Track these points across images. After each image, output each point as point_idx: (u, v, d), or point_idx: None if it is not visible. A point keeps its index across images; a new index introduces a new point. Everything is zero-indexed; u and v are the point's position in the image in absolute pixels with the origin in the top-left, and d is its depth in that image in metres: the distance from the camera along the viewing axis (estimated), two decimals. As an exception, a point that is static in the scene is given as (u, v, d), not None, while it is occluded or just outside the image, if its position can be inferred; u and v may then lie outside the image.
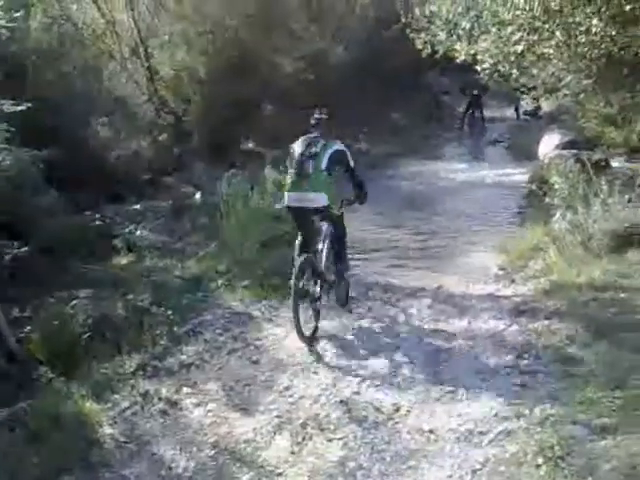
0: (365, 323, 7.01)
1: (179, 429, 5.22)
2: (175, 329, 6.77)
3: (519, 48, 8.40)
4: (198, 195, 10.96)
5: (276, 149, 15.95)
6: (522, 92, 18.78)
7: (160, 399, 5.60)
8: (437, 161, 16.20)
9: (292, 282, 6.04)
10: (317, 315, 6.45)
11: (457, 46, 9.23)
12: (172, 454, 4.92)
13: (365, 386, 5.66)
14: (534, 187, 10.58)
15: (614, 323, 6.19)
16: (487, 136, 19.82)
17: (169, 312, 6.93)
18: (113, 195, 11.00)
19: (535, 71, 9.32)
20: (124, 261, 8.33)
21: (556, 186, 9.40)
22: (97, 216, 9.67)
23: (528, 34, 8.24)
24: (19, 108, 7.46)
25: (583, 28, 7.91)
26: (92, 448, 4.96)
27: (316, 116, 6.51)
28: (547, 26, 8.03)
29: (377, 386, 5.65)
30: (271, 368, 6.07)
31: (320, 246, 6.48)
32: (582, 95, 11.38)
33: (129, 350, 6.24)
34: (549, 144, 14.30)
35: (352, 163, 6.44)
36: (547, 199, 9.32)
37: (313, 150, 6.18)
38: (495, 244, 9.43)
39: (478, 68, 9.40)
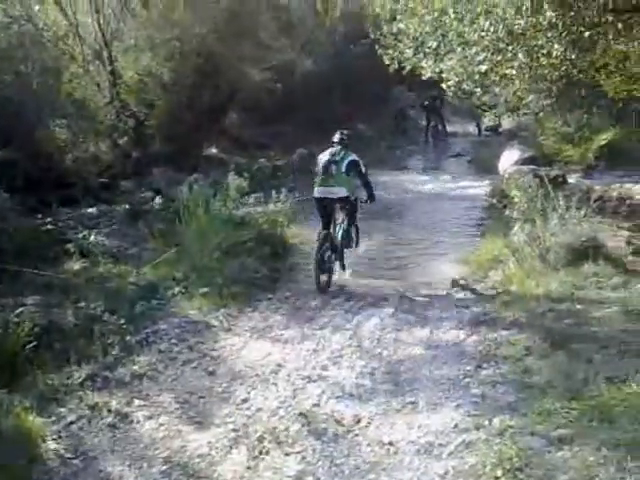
0: (327, 332, 6.90)
1: (129, 443, 4.91)
2: (128, 338, 6.46)
3: (483, 68, 8.52)
4: (157, 200, 10.70)
5: (240, 156, 16.02)
6: (484, 109, 19.15)
7: (109, 412, 5.27)
8: (402, 172, 16.24)
9: (315, 250, 8.14)
10: (330, 272, 8.37)
11: (423, 63, 9.30)
12: (121, 470, 4.60)
13: (325, 397, 5.52)
14: (494, 200, 10.67)
15: (570, 334, 6.23)
16: (450, 150, 19.95)
17: (122, 320, 6.63)
18: (67, 198, 10.62)
19: (497, 90, 9.46)
20: (77, 267, 7.97)
21: (515, 200, 9.46)
22: (49, 219, 9.34)
23: (492, 55, 8.36)
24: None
25: (545, 51, 8.08)
26: (34, 465, 4.58)
27: (338, 136, 8.64)
28: (510, 48, 8.17)
29: (338, 397, 5.52)
30: (228, 379, 5.85)
31: (337, 227, 8.55)
32: (541, 114, 11.64)
33: (78, 360, 5.85)
34: (509, 159, 14.46)
35: (363, 170, 8.47)
36: (507, 212, 9.39)
37: (336, 158, 8.27)
38: (457, 255, 9.47)
39: (443, 85, 9.49)
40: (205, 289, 7.74)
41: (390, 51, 9.80)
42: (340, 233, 8.53)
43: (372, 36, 10.50)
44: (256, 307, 7.66)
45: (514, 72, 8.53)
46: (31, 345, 5.79)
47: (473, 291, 8.07)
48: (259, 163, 15.60)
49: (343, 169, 8.20)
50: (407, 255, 9.98)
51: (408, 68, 9.72)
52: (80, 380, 5.66)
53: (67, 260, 8.20)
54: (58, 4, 13.76)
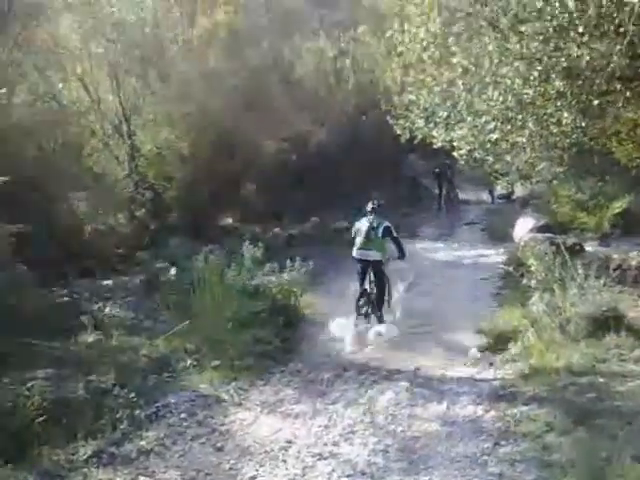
0: (339, 407, 6.66)
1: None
2: (137, 412, 6.33)
3: (493, 137, 8.46)
4: (172, 271, 10.68)
5: (255, 225, 16.06)
6: (496, 177, 19.12)
7: (112, 490, 5.09)
8: (416, 240, 16.09)
9: (356, 300, 9.72)
10: (368, 317, 9.72)
11: (434, 133, 9.26)
12: None
13: (336, 476, 5.28)
14: (511, 269, 10.46)
15: (592, 409, 6.00)
16: (463, 217, 19.87)
17: (132, 394, 6.52)
18: (84, 270, 10.65)
19: (509, 158, 9.36)
20: (90, 339, 7.87)
21: (532, 268, 9.28)
22: (65, 292, 9.30)
23: (502, 124, 8.31)
24: (-5, 182, 7.21)
25: (554, 120, 8.02)
26: None
27: (371, 205, 9.97)
28: (520, 117, 8.11)
29: (349, 476, 5.28)
30: (236, 456, 5.65)
31: (372, 285, 9.83)
32: (554, 181, 11.49)
33: (86, 435, 5.73)
34: (524, 227, 14.31)
35: (395, 233, 9.82)
36: (524, 281, 9.19)
37: (374, 224, 9.68)
38: (474, 325, 9.26)
39: (455, 154, 9.45)
40: (217, 362, 7.65)
41: (401, 121, 9.80)
42: (375, 291, 9.83)
43: (383, 107, 10.57)
44: (268, 380, 7.51)
45: (525, 140, 8.45)
46: (40, 419, 5.70)
47: (491, 364, 7.85)
48: (273, 232, 15.67)
49: (380, 234, 9.67)
50: (422, 325, 9.78)
51: (419, 137, 9.70)
52: (86, 456, 5.54)
53: (81, 332, 8.09)
54: (81, 81, 14.08)
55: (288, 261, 10.39)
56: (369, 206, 9.98)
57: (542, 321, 8.07)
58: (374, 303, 9.77)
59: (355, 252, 9.80)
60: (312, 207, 17.22)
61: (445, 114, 8.84)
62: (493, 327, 8.96)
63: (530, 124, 8.02)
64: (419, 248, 15.28)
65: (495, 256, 13.56)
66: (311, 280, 10.46)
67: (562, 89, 7.44)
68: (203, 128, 15.05)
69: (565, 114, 7.72)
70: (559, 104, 7.72)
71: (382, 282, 9.80)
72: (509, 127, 8.24)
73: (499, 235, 15.75)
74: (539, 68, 7.28)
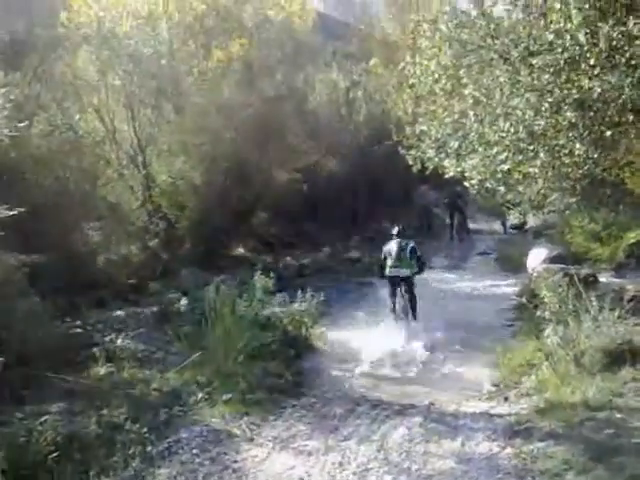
0: (352, 444, 6.49)
1: None
2: (149, 448, 6.16)
3: (505, 167, 8.37)
4: (184, 301, 10.59)
5: (266, 255, 16.03)
6: (509, 207, 19.02)
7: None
8: (427, 270, 15.94)
9: (393, 310, 11.08)
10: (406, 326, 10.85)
11: (446, 163, 9.18)
12: None
13: (351, 517, 5.09)
14: (524, 300, 10.30)
15: (611, 446, 5.82)
16: (475, 247, 19.73)
17: (144, 429, 6.36)
18: (97, 300, 10.57)
19: (521, 188, 9.24)
20: (102, 372, 7.75)
21: (546, 300, 9.11)
22: (78, 323, 9.18)
23: (513, 154, 8.23)
24: (10, 213, 7.18)
25: (566, 150, 7.93)
26: None
27: (397, 229, 11.40)
28: (532, 148, 8.03)
29: (365, 517, 5.08)
30: (250, 495, 5.48)
31: (401, 298, 11.13)
32: (567, 212, 11.36)
33: (98, 473, 5.57)
34: (537, 258, 14.14)
35: (419, 253, 11.20)
36: (538, 312, 9.03)
37: (402, 246, 11.05)
38: (487, 358, 9.10)
39: (467, 184, 9.37)
40: (228, 395, 7.48)
41: (413, 152, 9.73)
42: (404, 303, 11.12)
43: (395, 138, 10.53)
44: (280, 415, 7.35)
45: (537, 171, 8.34)
46: (53, 455, 5.59)
47: (506, 398, 7.67)
48: (285, 262, 15.66)
49: (408, 255, 11.02)
50: (436, 357, 9.66)
51: (431, 167, 9.65)
52: (98, 495, 5.34)
53: (93, 365, 7.98)
54: (97, 112, 14.19)
55: (299, 291, 10.30)
56: (395, 230, 11.39)
57: (557, 354, 7.90)
58: (410, 311, 11.14)
59: (388, 271, 11.10)
60: (324, 237, 17.21)
61: (456, 144, 8.77)
62: (507, 360, 8.81)
63: (542, 155, 7.94)
64: (431, 278, 15.14)
65: (508, 287, 13.39)
66: (323, 311, 10.37)
67: (574, 120, 7.39)
68: (216, 158, 15.10)
69: (577, 145, 7.65)
70: (571, 135, 7.65)
71: (414, 293, 11.19)
72: (521, 158, 8.16)
73: (512, 265, 15.60)
74: (550, 100, 7.25)
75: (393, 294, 11.16)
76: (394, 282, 11.13)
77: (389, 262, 11.08)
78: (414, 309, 11.16)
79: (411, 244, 11.18)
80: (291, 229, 17.53)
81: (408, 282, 11.14)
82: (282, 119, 16.42)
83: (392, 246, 11.16)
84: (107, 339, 8.76)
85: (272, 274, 10.32)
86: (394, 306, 11.12)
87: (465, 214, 20.86)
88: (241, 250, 16.36)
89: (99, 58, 13.96)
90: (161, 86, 14.61)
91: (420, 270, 11.25)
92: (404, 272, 11.06)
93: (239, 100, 15.52)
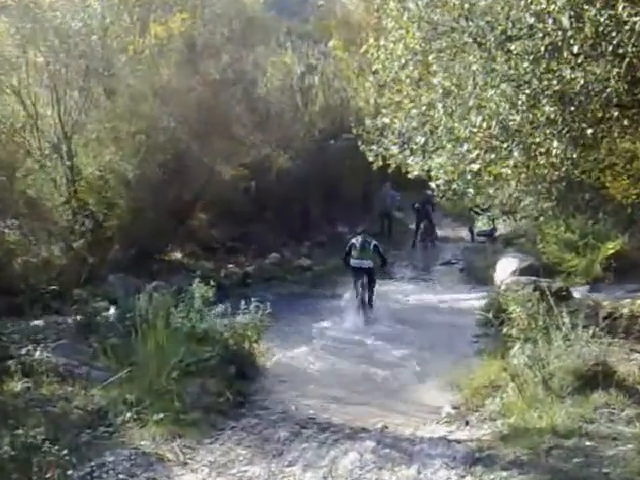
0: (297, 470, 6.57)
1: None
2: (70, 472, 6.14)
3: (475, 166, 8.47)
4: (112, 310, 10.55)
5: (206, 260, 16.01)
6: (477, 212, 19.32)
7: None
8: (386, 281, 16.15)
9: (357, 299, 13.63)
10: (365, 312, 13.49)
11: (410, 160, 9.28)
12: None
13: None
14: (490, 315, 10.51)
15: (580, 476, 5.99)
16: (440, 256, 20.01)
17: (64, 451, 6.32)
18: (13, 308, 10.44)
19: (491, 191, 9.39)
20: (18, 387, 7.67)
21: (514, 315, 9.34)
22: (-11, 333, 9.13)
23: (485, 153, 8.33)
24: None
25: (543, 149, 8.01)
26: None
27: (362, 228, 14.48)
28: (505, 145, 8.12)
29: None
30: (180, 527, 5.52)
31: (363, 289, 13.63)
32: (541, 218, 11.54)
33: (11, 500, 5.59)
34: (506, 269, 14.44)
35: (381, 250, 13.92)
36: (504, 329, 9.24)
37: (367, 240, 13.69)
38: (448, 378, 9.26)
39: (432, 184, 9.47)
40: (160, 415, 7.48)
41: (374, 147, 9.84)
42: (366, 293, 13.68)
43: (355, 131, 10.65)
44: (217, 437, 7.40)
45: (509, 172, 8.47)
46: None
47: (467, 423, 7.80)
48: (228, 269, 15.71)
49: (371, 248, 13.61)
50: (389, 378, 9.82)
51: (393, 166, 9.77)
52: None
53: (7, 379, 7.92)
54: (17, 94, 13.91)
55: (243, 302, 10.34)
56: (360, 229, 14.50)
57: (523, 375, 8.04)
58: (366, 301, 13.66)
59: (352, 262, 13.72)
60: (272, 242, 17.25)
61: (422, 140, 8.87)
62: (469, 381, 8.97)
63: (516, 154, 8.03)
64: (390, 290, 15.37)
65: (473, 300, 13.62)
66: (268, 324, 10.38)
67: (552, 115, 7.44)
68: (152, 149, 15.02)
69: (555, 143, 7.68)
70: (548, 132, 7.71)
71: (373, 284, 13.83)
72: (493, 156, 8.26)
73: (479, 277, 15.91)
74: (528, 91, 7.32)
75: (356, 282, 13.77)
76: (357, 272, 13.72)
77: (353, 253, 13.65)
78: (371, 299, 13.77)
79: (374, 242, 13.79)
80: (235, 232, 17.52)
81: (369, 273, 13.68)
82: (228, 106, 16.42)
83: (357, 240, 13.77)
84: (24, 351, 8.67)
85: (212, 282, 10.39)
86: (357, 292, 13.71)
87: (432, 221, 21.14)
88: (178, 255, 16.31)
89: (20, 31, 13.71)
90: (91, 65, 14.39)
91: (383, 263, 14.13)
92: (366, 263, 13.58)
93: (179, 83, 15.51)
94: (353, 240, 13.90)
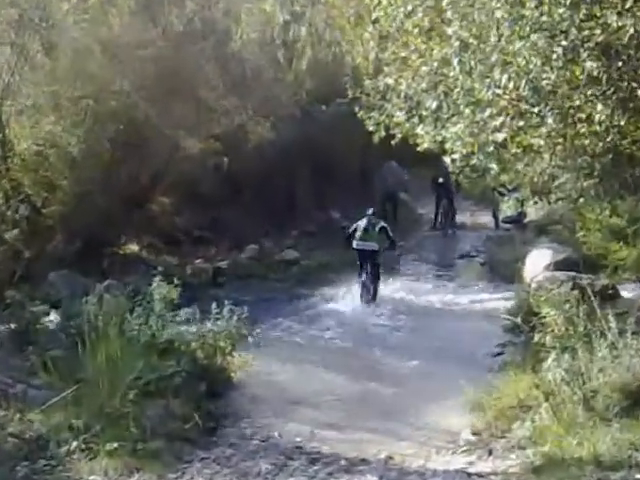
0: (281, 511, 6.59)
1: None
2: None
3: (500, 136, 8.45)
4: (54, 316, 10.56)
5: (169, 255, 16.00)
6: (502, 193, 19.32)
7: None
8: (393, 279, 16.20)
9: (360, 282, 15.02)
10: (368, 295, 14.94)
11: (420, 130, 9.28)
12: None
13: None
14: (518, 320, 10.55)
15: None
16: (457, 247, 20.06)
17: (-4, 489, 6.36)
18: None
19: (520, 166, 9.40)
20: (-64, 412, 7.75)
21: (548, 320, 9.34)
22: None
23: (512, 119, 8.32)
24: None
25: (583, 115, 8.04)
26: None
27: (371, 210, 15.38)
28: (537, 110, 8.12)
29: None
30: None
31: (367, 271, 14.99)
32: (581, 200, 11.54)
33: None
34: (538, 263, 14.46)
35: (390, 233, 15.31)
36: (536, 337, 9.26)
37: (373, 222, 15.04)
38: (467, 397, 9.24)
39: (446, 159, 9.46)
40: (114, 444, 7.48)
41: (375, 114, 9.86)
42: (369, 279, 14.95)
43: (351, 94, 10.64)
44: (184, 471, 7.41)
45: (542, 142, 8.48)
46: None
47: (490, 452, 7.82)
48: (195, 265, 15.78)
49: (377, 230, 14.94)
50: (397, 396, 9.88)
51: (399, 137, 9.77)
52: None
53: None
54: None
55: (214, 305, 10.34)
56: (370, 210, 15.39)
57: (560, 393, 8.07)
58: (369, 288, 14.88)
59: (355, 244, 15.04)
60: (250, 231, 17.26)
61: (435, 105, 8.85)
62: (493, 400, 8.97)
63: (550, 120, 8.01)
64: (397, 289, 15.42)
65: (498, 302, 13.69)
66: (245, 332, 10.39)
67: (595, 73, 7.44)
68: (101, 119, 15.01)
69: (598, 107, 7.70)
70: (590, 93, 7.73)
71: (378, 269, 15.04)
72: (521, 124, 8.26)
73: (504, 273, 15.94)
74: (564, 43, 7.31)
75: (362, 266, 15.03)
76: (361, 255, 15.05)
77: (357, 234, 14.97)
78: (375, 288, 14.91)
79: (382, 224, 15.21)
80: (204, 220, 17.54)
81: (374, 257, 14.93)
82: (194, 65, 16.39)
83: (362, 221, 15.10)
84: (-59, 366, 8.69)
85: (177, 281, 10.40)
86: (360, 280, 14.99)
87: (453, 200, 21.18)
88: (134, 247, 16.35)
89: None
90: (25, 15, 14.34)
91: (392, 245, 15.43)
92: (371, 245, 14.91)
93: (134, 37, 15.45)
94: (359, 222, 15.13)
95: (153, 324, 9.68)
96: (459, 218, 21.73)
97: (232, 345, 10.21)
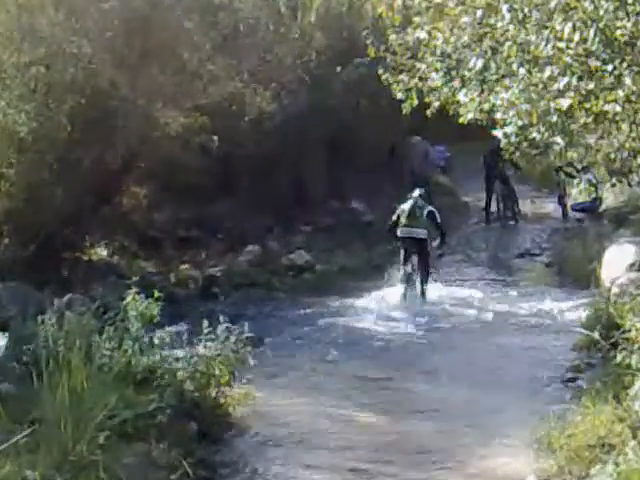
0: None
1: None
2: None
3: (565, 102, 8.43)
4: (1, 341, 10.60)
5: (147, 260, 16.02)
6: (571, 175, 19.30)
7: None
8: (430, 286, 16.20)
9: (401, 274, 15.92)
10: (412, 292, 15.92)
11: (462, 96, 9.29)
12: None
13: None
14: (596, 334, 10.57)
15: None
16: (516, 242, 20.07)
17: None
18: None
19: (592, 140, 9.41)
20: None
21: (634, 334, 9.34)
22: None
23: (580, 80, 8.31)
24: None
25: (671, 72, 8.05)
26: None
27: (418, 192, 16.24)
28: (610, 68, 8.12)
29: None
30: None
31: (413, 264, 15.94)
32: (671, 182, 11.56)
33: None
34: (618, 262, 14.47)
35: (439, 220, 16.09)
36: (619, 356, 9.25)
37: (419, 204, 15.88)
38: (531, 435, 9.25)
39: (497, 133, 9.45)
40: (80, 503, 7.55)
41: (404, 77, 9.88)
42: (416, 272, 15.89)
43: (373, 53, 10.64)
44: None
45: (618, 109, 8.47)
46: None
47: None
48: (181, 272, 15.89)
49: (424, 214, 15.70)
50: (440, 435, 9.87)
51: (435, 105, 9.79)
52: None
53: None
54: None
55: (206, 323, 10.33)
56: (417, 192, 16.19)
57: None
58: (417, 283, 15.78)
59: (400, 231, 15.77)
60: (250, 228, 17.29)
61: (480, 63, 8.88)
62: (565, 438, 8.92)
63: (628, 80, 7.99)
64: (438, 299, 15.47)
65: (569, 312, 13.80)
66: (247, 357, 10.42)
67: None
68: (56, 90, 15.02)
69: None
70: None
71: (427, 261, 15.91)
72: (592, 86, 8.26)
73: (576, 275, 16.06)
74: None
75: (405, 260, 15.88)
76: (406, 245, 15.86)
77: (402, 220, 15.78)
78: (423, 282, 15.75)
79: (430, 207, 16.02)
80: (190, 215, 17.58)
81: (422, 246, 15.79)
82: (172, 19, 16.36)
83: (407, 204, 15.92)
84: None
85: (158, 293, 10.34)
86: (405, 276, 15.80)
87: (509, 182, 21.20)
88: (102, 252, 16.43)
89: None
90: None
91: (442, 238, 16.34)
92: (418, 232, 15.74)
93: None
94: (403, 205, 15.98)
95: (128, 348, 9.67)
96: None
97: (230, 373, 10.20)
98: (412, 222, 15.56)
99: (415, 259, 15.72)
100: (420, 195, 16.04)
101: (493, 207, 21.66)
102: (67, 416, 8.42)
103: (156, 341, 10.19)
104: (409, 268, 15.74)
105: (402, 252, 15.85)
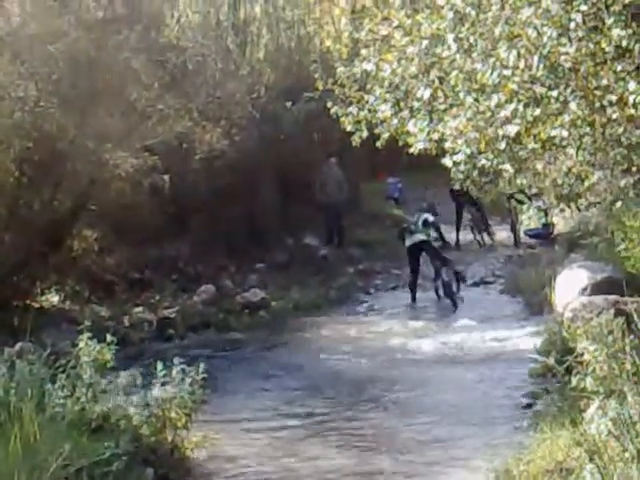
0: None
1: None
2: None
3: (512, 129, 8.46)
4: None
5: (99, 304, 15.88)
6: (521, 201, 19.38)
7: None
8: (382, 317, 16.20)
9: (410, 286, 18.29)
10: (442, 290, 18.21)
11: (411, 127, 9.29)
12: None
13: None
14: (550, 360, 10.56)
15: None
16: (469, 272, 20.12)
17: None
18: None
19: (540, 166, 9.45)
20: None
21: (587, 357, 9.32)
22: None
23: (526, 106, 8.34)
24: None
25: (614, 97, 8.05)
26: None
27: (426, 204, 18.59)
28: (555, 94, 8.16)
29: None
30: None
31: (436, 269, 18.11)
32: (619, 204, 11.56)
33: None
34: (570, 287, 14.49)
35: (437, 225, 18.00)
36: (573, 380, 9.23)
37: (422, 215, 17.91)
38: (490, 463, 9.13)
39: (446, 161, 9.44)
40: None
41: (353, 109, 9.87)
42: (441, 275, 17.70)
43: (321, 86, 10.62)
44: None
45: (565, 134, 8.50)
46: None
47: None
48: (134, 315, 15.73)
49: (421, 222, 17.49)
50: (402, 466, 9.85)
51: (385, 137, 9.77)
52: None
53: None
54: None
55: (161, 366, 10.24)
56: (424, 204, 18.33)
57: (607, 450, 7.99)
58: (444, 285, 17.61)
59: (406, 242, 17.61)
60: (203, 267, 17.24)
61: (427, 93, 8.89)
62: (523, 465, 8.91)
63: (573, 105, 8.06)
64: (391, 333, 15.47)
65: (524, 339, 13.81)
66: (203, 399, 10.34)
67: (625, 43, 7.48)
68: (3, 134, 14.91)
69: (631, 86, 7.67)
70: (620, 69, 7.75)
71: (439, 255, 17.58)
72: (538, 112, 8.29)
73: (530, 301, 16.16)
74: (584, 8, 7.39)
75: (413, 269, 17.73)
76: (411, 252, 17.66)
77: (406, 234, 17.69)
78: (449, 283, 17.50)
79: (426, 215, 17.66)
80: (142, 257, 17.48)
81: (427, 246, 17.37)
82: (120, 59, 16.29)
83: (414, 217, 17.97)
84: None
85: (111, 337, 10.25)
86: (412, 283, 17.75)
87: (480, 206, 21.35)
88: (53, 298, 16.27)
89: None
90: None
91: (443, 244, 18.06)
92: (419, 237, 17.34)
93: (42, 26, 15.39)
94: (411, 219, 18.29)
95: (82, 396, 9.56)
96: (467, 236, 21.87)
97: (186, 416, 10.10)
98: (413, 230, 17.47)
99: (430, 258, 17.53)
100: (426, 209, 17.83)
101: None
102: (20, 468, 8.26)
103: (110, 386, 10.06)
104: (416, 274, 17.66)
105: (409, 261, 17.86)
